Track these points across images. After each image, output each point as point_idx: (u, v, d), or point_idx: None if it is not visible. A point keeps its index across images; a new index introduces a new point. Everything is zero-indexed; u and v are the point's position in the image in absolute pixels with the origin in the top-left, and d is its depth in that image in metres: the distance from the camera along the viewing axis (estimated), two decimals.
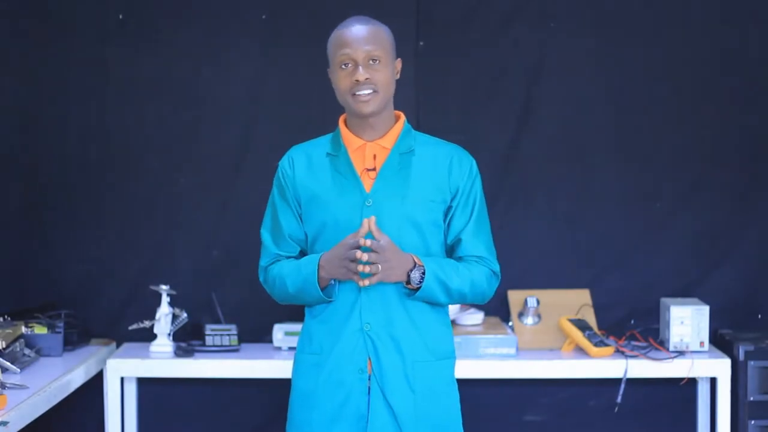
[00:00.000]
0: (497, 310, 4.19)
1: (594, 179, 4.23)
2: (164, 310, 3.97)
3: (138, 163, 4.21)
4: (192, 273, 4.19)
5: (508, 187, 4.23)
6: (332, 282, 2.85)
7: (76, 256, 4.20)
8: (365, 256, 2.72)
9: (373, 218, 2.75)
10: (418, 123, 4.17)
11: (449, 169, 2.89)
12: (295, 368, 2.94)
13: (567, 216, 4.24)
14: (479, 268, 2.89)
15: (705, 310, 3.96)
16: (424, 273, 2.79)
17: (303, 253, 2.94)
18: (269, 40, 4.20)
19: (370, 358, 2.83)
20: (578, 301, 4.16)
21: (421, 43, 4.20)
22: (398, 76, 2.94)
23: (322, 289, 2.82)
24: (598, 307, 4.19)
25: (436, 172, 2.88)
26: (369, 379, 2.83)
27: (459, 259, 2.90)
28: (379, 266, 2.73)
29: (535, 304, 4.10)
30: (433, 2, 4.18)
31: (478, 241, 2.90)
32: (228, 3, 4.21)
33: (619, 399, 3.95)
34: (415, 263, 2.80)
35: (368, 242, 2.73)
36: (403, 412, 2.82)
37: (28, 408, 3.17)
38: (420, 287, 2.80)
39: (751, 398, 3.88)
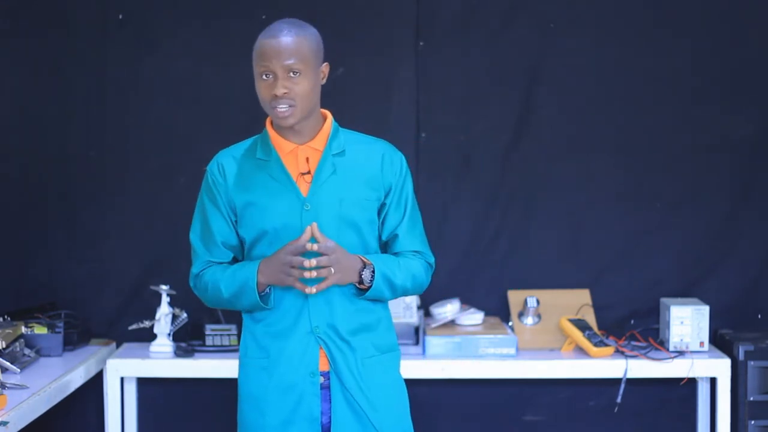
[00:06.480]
0: (497, 310, 4.19)
1: (594, 179, 4.23)
2: (164, 310, 3.97)
3: (138, 163, 4.21)
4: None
5: (508, 187, 4.23)
6: (268, 289, 2.84)
7: (76, 256, 4.20)
8: (313, 262, 2.71)
9: (314, 224, 2.74)
10: (418, 123, 4.17)
11: (381, 167, 2.89)
12: (242, 373, 2.92)
13: (567, 216, 4.24)
14: (417, 262, 2.93)
15: (705, 310, 3.96)
16: (373, 272, 2.81)
17: (235, 260, 2.93)
18: None
19: (327, 359, 2.82)
20: (578, 301, 4.16)
21: (421, 43, 4.20)
22: (324, 81, 2.88)
23: (260, 294, 2.81)
24: (598, 307, 4.19)
25: (369, 171, 2.88)
26: (321, 381, 2.83)
27: (396, 254, 2.92)
28: (332, 269, 2.73)
29: (535, 304, 4.10)
30: (433, 2, 4.18)
31: (413, 236, 2.93)
32: (228, 3, 4.21)
33: (619, 399, 3.95)
34: (364, 263, 2.81)
35: (315, 246, 2.72)
36: (366, 406, 2.84)
37: (28, 408, 3.17)
38: (370, 286, 2.82)
39: (751, 398, 3.88)
